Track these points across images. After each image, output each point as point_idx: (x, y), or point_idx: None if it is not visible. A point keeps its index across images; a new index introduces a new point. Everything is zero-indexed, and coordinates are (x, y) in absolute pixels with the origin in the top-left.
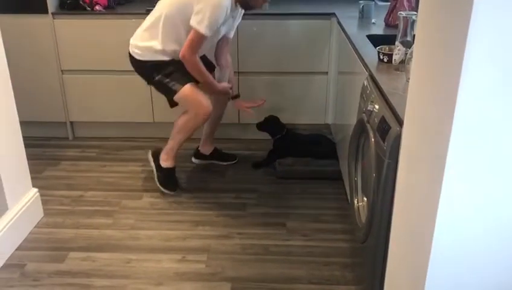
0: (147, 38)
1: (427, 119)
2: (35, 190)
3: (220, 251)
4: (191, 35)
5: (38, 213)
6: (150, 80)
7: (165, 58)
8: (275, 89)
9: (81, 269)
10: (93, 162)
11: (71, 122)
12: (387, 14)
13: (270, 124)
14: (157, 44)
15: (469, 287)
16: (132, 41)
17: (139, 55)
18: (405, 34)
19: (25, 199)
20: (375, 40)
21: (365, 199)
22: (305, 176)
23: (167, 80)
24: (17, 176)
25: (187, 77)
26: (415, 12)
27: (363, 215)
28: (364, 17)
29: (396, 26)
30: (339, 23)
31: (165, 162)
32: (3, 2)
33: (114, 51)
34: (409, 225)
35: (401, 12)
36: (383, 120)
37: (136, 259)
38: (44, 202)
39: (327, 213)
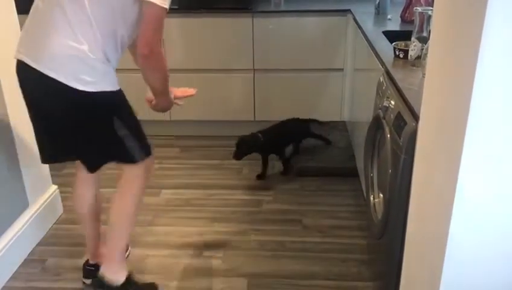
0: (87, 46)
1: (443, 114)
2: (55, 187)
3: (237, 247)
4: (150, 16)
5: (58, 210)
6: (106, 129)
7: (116, 85)
8: (291, 86)
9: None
10: None
11: None
12: (403, 10)
13: (243, 148)
14: (106, 54)
15: (485, 283)
16: (54, 56)
17: (86, 83)
18: (421, 30)
19: (45, 195)
20: (391, 36)
21: (381, 195)
22: (321, 173)
23: (132, 140)
24: (38, 174)
25: (143, 132)
26: (431, 8)
27: (379, 212)
28: (380, 13)
29: (412, 22)
30: (354, 19)
31: (119, 274)
32: (25, 3)
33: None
34: (425, 220)
35: (417, 7)
36: (399, 116)
37: (153, 255)
38: (64, 199)
39: (343, 210)
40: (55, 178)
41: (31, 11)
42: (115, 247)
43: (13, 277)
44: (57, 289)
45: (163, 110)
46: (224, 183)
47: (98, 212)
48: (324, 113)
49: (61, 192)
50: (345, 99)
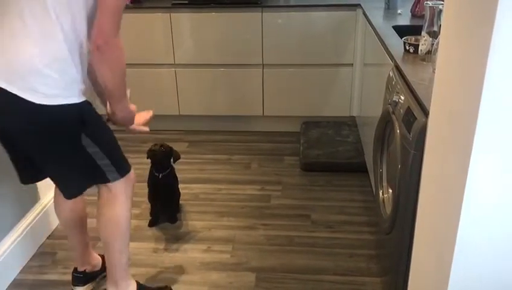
0: (48, 51)
1: (453, 109)
2: None
3: (245, 241)
4: (106, 3)
5: None
6: (71, 148)
7: (84, 96)
8: (300, 81)
9: None
10: None
11: None
12: (413, 4)
13: (161, 155)
14: (67, 53)
15: (494, 278)
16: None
17: (44, 96)
18: (431, 24)
19: None
20: (401, 30)
21: (390, 190)
22: (330, 168)
23: (106, 159)
24: None
25: (119, 146)
26: (442, 2)
27: (388, 207)
28: (390, 7)
29: (422, 17)
30: (364, 14)
31: (129, 287)
32: None
33: (139, 45)
34: (434, 216)
35: (428, 2)
36: (408, 111)
37: (162, 248)
38: None
39: (352, 205)
40: None
41: None
42: (115, 266)
43: (24, 270)
44: (67, 282)
45: (123, 121)
46: (233, 178)
47: (82, 219)
48: (333, 108)
49: None
50: (354, 95)
